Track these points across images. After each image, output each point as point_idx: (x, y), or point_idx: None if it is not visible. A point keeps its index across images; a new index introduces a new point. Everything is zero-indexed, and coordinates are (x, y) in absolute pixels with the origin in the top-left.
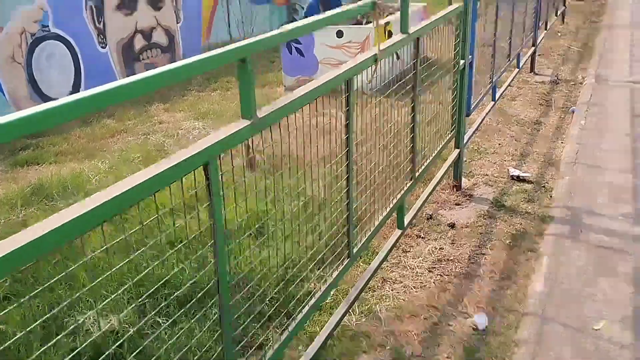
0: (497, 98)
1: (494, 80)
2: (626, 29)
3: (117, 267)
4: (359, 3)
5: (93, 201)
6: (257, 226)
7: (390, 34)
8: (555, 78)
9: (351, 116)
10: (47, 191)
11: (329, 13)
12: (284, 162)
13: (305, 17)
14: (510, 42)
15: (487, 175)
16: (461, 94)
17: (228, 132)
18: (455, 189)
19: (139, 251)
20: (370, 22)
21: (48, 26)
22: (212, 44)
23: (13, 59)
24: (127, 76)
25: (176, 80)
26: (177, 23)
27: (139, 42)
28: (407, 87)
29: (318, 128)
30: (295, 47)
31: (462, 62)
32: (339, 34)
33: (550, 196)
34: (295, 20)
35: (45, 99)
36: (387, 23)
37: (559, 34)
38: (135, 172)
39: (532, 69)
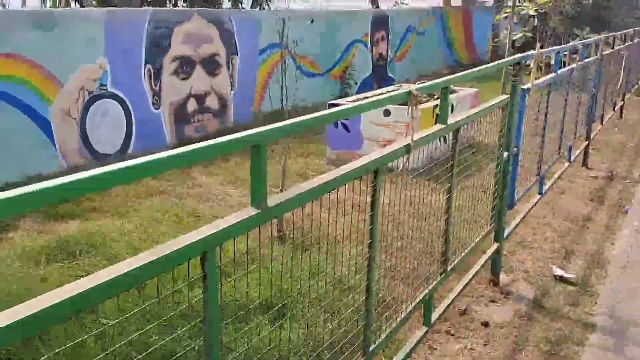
0: (544, 191)
1: (541, 173)
2: None
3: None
4: (394, 92)
5: (91, 281)
6: (277, 307)
7: (438, 117)
8: (609, 174)
9: (376, 207)
10: (73, 248)
11: (358, 103)
12: (312, 237)
13: (358, 92)
14: (561, 134)
15: (527, 271)
16: (504, 186)
17: (231, 221)
18: (492, 284)
19: (154, 324)
20: (421, 102)
21: (106, 85)
22: (263, 113)
23: (68, 114)
24: (177, 137)
25: (188, 163)
26: (231, 90)
27: (192, 106)
28: (449, 172)
29: (345, 203)
30: (342, 122)
31: (506, 153)
32: (386, 112)
33: (595, 302)
34: (348, 94)
35: (94, 154)
36: (436, 106)
37: (616, 129)
38: (160, 236)
39: (584, 163)
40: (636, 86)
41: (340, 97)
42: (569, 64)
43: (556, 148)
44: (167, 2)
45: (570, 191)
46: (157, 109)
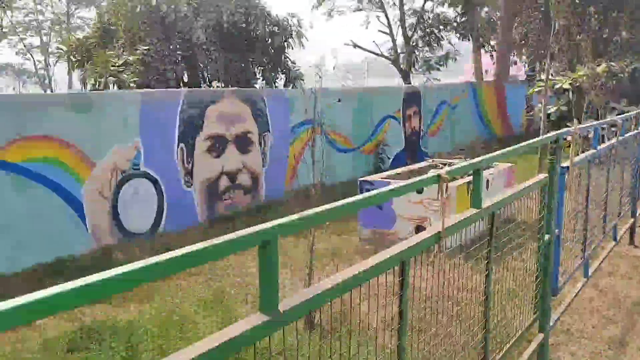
0: (589, 274)
1: (586, 254)
2: None
3: None
4: (424, 177)
5: None
6: None
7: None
8: None
9: (405, 301)
10: (96, 335)
11: (388, 188)
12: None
13: (392, 166)
14: (605, 212)
15: None
16: (546, 272)
17: (234, 332)
18: None
19: None
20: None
21: (139, 164)
22: (295, 190)
23: (100, 194)
24: (208, 215)
25: (188, 267)
26: (263, 167)
27: (224, 183)
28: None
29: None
30: None
31: (547, 236)
32: (420, 189)
33: None
34: (381, 169)
35: (125, 233)
36: (469, 182)
37: None
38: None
39: (631, 241)
40: None
41: (374, 172)
42: (607, 138)
43: (600, 227)
44: (202, 82)
45: (618, 272)
46: (189, 187)
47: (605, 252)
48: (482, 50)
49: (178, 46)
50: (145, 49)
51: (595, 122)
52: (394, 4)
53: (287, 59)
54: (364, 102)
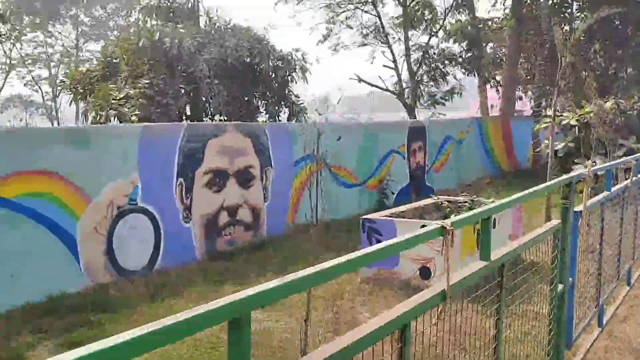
0: (604, 323)
1: (600, 302)
2: None
3: None
4: (427, 228)
5: None
6: None
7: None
8: None
9: None
10: None
11: (390, 242)
12: None
13: (396, 201)
14: (619, 256)
15: None
16: (560, 322)
17: None
18: None
19: None
20: (455, 206)
21: (136, 200)
22: (297, 225)
23: (95, 230)
24: (207, 251)
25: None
26: (265, 202)
27: (224, 219)
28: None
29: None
30: (376, 238)
31: (560, 286)
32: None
33: None
34: (385, 204)
35: (120, 271)
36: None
37: None
38: None
39: None
40: None
41: (378, 207)
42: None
43: (615, 271)
44: (205, 116)
45: (633, 318)
46: (188, 222)
47: (620, 297)
48: (488, 86)
49: (181, 80)
50: (147, 83)
51: (608, 163)
52: (399, 39)
53: (291, 93)
54: (368, 136)
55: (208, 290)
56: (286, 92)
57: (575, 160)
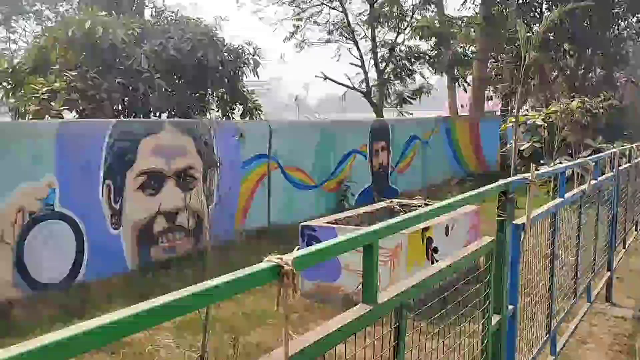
0: (557, 351)
1: (552, 329)
2: None
3: None
4: (253, 268)
5: None
6: None
7: (430, 241)
8: (639, 314)
9: None
10: None
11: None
12: None
13: (357, 203)
14: (576, 271)
15: None
16: None
17: None
18: None
19: None
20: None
21: (53, 204)
22: (247, 230)
23: (1, 239)
24: (140, 261)
25: None
26: (209, 206)
27: (160, 225)
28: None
29: None
30: None
31: (496, 318)
32: None
33: None
34: (345, 207)
35: (33, 285)
36: (427, 228)
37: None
38: None
39: (607, 299)
40: None
41: (337, 210)
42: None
43: (571, 289)
44: (150, 113)
45: (594, 339)
46: (117, 229)
47: (578, 317)
48: (458, 85)
49: (118, 73)
50: (73, 75)
51: (558, 166)
52: (366, 36)
53: (244, 89)
54: (326, 136)
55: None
56: (239, 88)
57: (541, 161)
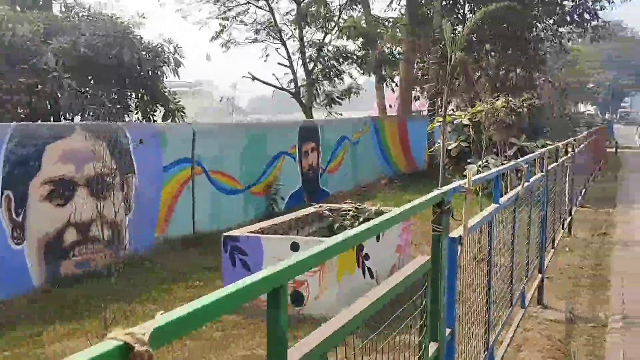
0: None
1: (490, 344)
2: None
3: None
4: (97, 349)
5: None
6: None
7: (360, 248)
8: (570, 315)
9: None
10: None
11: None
12: None
13: (287, 206)
14: (511, 278)
15: None
16: None
17: None
18: None
19: None
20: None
21: None
22: (170, 238)
23: None
24: (48, 277)
25: None
26: (126, 215)
27: (71, 237)
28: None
29: None
30: (240, 259)
31: (432, 347)
32: (294, 246)
33: None
34: (275, 211)
35: None
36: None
37: (567, 249)
38: None
39: (539, 301)
40: (579, 197)
41: (266, 214)
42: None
43: (507, 298)
44: (62, 116)
45: (528, 344)
46: (20, 244)
47: (514, 324)
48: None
49: (22, 73)
50: None
51: (494, 170)
52: (293, 35)
53: (166, 90)
54: (253, 138)
55: (31, 333)
56: (160, 88)
57: (468, 160)
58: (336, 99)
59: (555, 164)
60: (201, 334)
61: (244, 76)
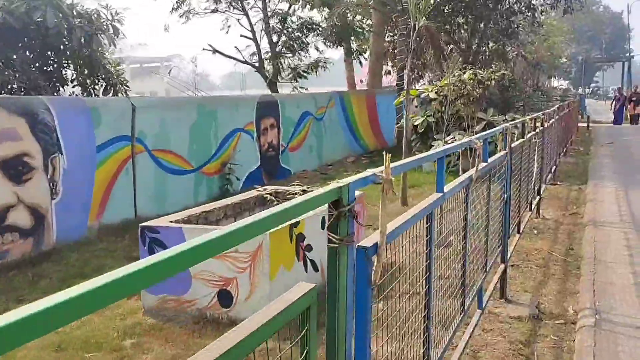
0: None
1: None
2: (617, 228)
3: None
4: None
5: None
6: None
7: (301, 238)
8: (536, 311)
9: None
10: None
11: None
12: None
13: (244, 187)
14: (463, 280)
15: None
16: None
17: None
18: None
19: None
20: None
21: None
22: (107, 224)
23: None
24: None
25: None
26: (52, 200)
27: None
28: None
29: None
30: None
31: None
32: None
33: None
34: (229, 191)
35: None
36: (296, 224)
37: (535, 232)
38: None
39: (502, 295)
40: (550, 174)
41: (220, 196)
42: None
43: (459, 306)
44: None
45: (488, 348)
46: None
47: (471, 326)
48: (354, 59)
49: None
50: None
51: (433, 151)
52: (256, 5)
53: (107, 61)
54: (204, 114)
55: None
56: (99, 59)
57: (435, 137)
58: (302, 73)
59: (521, 139)
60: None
61: (204, 49)
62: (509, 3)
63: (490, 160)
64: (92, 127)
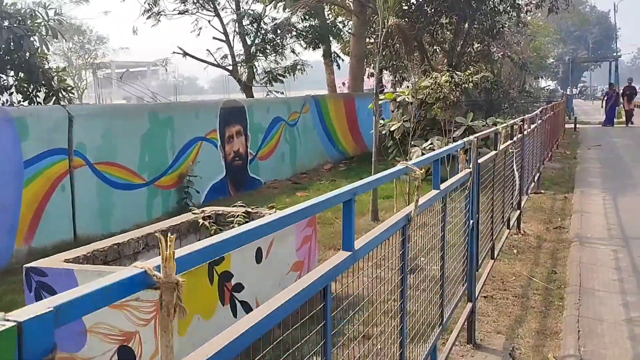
0: None
1: None
2: (605, 245)
3: None
4: None
5: None
6: None
7: (226, 277)
8: (510, 357)
9: None
10: None
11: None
12: None
13: (207, 200)
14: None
15: None
16: None
17: None
18: None
19: None
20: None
21: None
22: (39, 248)
23: None
24: None
25: None
26: None
27: None
28: None
29: None
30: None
31: None
32: None
33: None
34: (189, 207)
35: None
36: (218, 260)
37: (515, 251)
38: None
39: (470, 339)
40: (533, 183)
41: (179, 211)
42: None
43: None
44: None
45: None
46: None
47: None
48: (332, 61)
49: None
50: None
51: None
52: (229, 6)
53: (47, 66)
54: (157, 121)
55: None
56: (35, 64)
57: (412, 143)
58: (278, 76)
59: (493, 152)
60: None
61: (174, 52)
62: (493, 3)
63: (446, 184)
64: (18, 139)
